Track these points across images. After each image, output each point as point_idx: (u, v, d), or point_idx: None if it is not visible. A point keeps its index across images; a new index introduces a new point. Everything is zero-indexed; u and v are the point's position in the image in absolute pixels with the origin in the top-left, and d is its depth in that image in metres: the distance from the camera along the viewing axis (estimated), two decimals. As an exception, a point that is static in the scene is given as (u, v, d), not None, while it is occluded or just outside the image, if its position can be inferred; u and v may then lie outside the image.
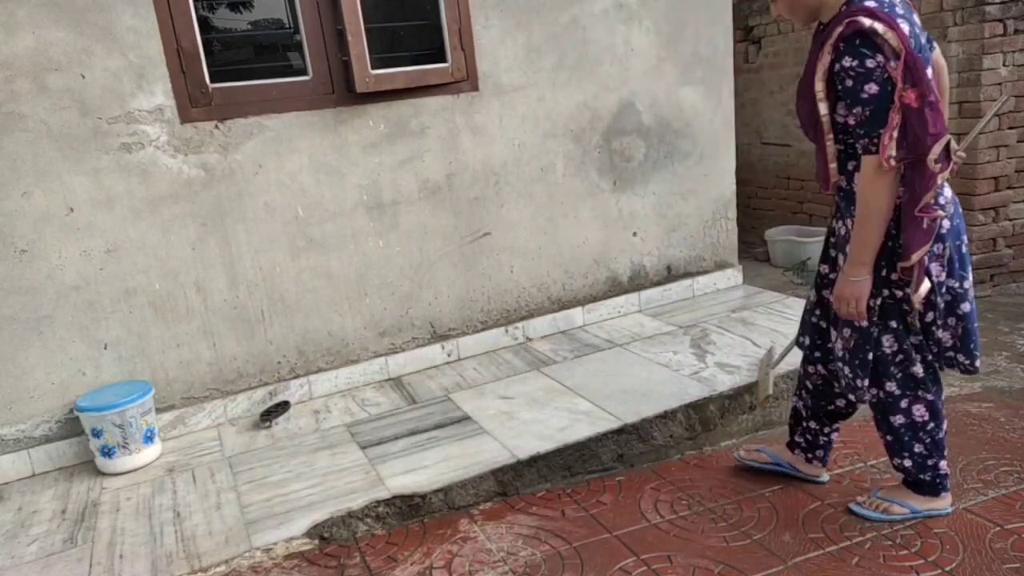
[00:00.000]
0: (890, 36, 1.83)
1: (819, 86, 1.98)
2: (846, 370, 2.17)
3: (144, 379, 3.03)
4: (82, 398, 2.88)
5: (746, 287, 4.34)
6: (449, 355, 3.64)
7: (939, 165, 1.90)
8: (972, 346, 2.13)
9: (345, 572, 2.27)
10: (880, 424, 2.24)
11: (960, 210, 2.10)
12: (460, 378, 3.43)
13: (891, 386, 2.14)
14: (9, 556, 2.40)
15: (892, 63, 1.84)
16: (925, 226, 1.94)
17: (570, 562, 2.22)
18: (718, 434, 2.95)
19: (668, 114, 3.96)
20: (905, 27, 1.85)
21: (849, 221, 2.08)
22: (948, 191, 2.04)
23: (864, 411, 2.45)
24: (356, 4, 3.05)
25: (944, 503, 2.28)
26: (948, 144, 1.91)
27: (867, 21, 1.84)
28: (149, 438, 2.90)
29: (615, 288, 4.02)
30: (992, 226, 4.34)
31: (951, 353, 2.14)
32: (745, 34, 5.71)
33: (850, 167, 2.06)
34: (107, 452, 2.82)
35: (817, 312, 2.32)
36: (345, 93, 3.19)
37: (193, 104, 2.95)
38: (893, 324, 2.10)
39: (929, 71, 1.88)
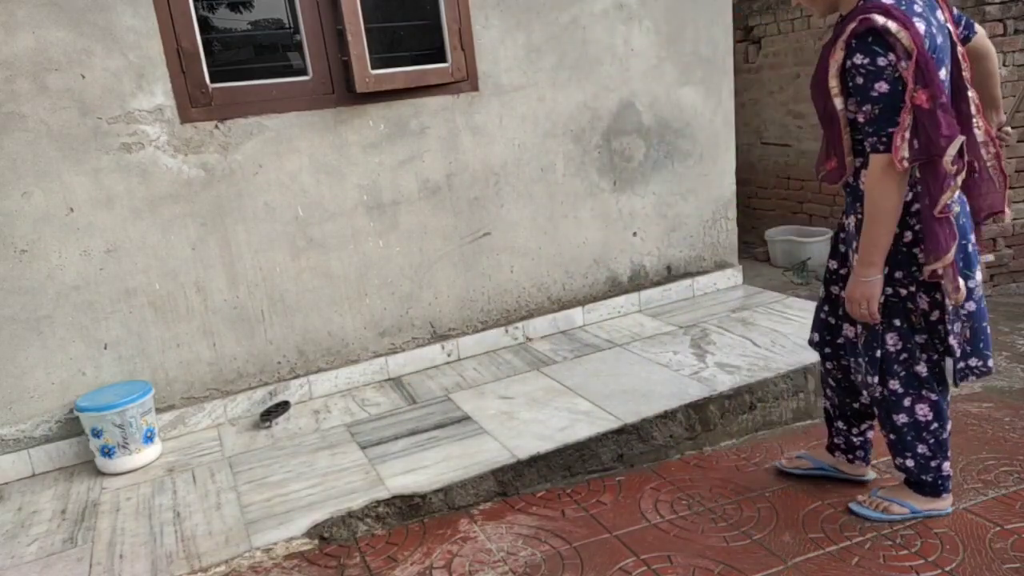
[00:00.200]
0: (903, 35, 1.81)
1: (833, 82, 1.97)
2: (862, 362, 2.16)
3: (144, 379, 3.03)
4: (82, 398, 2.88)
5: (746, 287, 4.34)
6: (449, 355, 3.64)
7: (955, 166, 1.88)
8: (982, 345, 2.11)
9: (345, 572, 2.27)
10: (883, 423, 2.24)
11: (968, 208, 2.08)
12: (460, 378, 3.43)
13: (894, 384, 2.14)
14: (9, 556, 2.40)
15: (904, 63, 1.82)
16: (947, 228, 1.91)
17: (570, 562, 2.22)
18: (718, 434, 2.95)
19: (668, 114, 3.96)
20: (921, 26, 1.83)
21: (854, 218, 2.08)
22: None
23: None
24: (356, 4, 3.05)
25: (945, 504, 2.28)
26: (962, 145, 1.89)
27: (880, 19, 1.82)
28: (149, 438, 2.90)
29: (615, 288, 4.02)
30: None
31: (962, 364, 2.10)
32: (745, 34, 5.71)
33: (858, 164, 2.06)
34: (107, 452, 2.82)
35: (825, 308, 2.32)
36: (345, 93, 3.19)
37: (193, 104, 2.95)
38: (897, 322, 2.09)
39: (943, 72, 1.86)
